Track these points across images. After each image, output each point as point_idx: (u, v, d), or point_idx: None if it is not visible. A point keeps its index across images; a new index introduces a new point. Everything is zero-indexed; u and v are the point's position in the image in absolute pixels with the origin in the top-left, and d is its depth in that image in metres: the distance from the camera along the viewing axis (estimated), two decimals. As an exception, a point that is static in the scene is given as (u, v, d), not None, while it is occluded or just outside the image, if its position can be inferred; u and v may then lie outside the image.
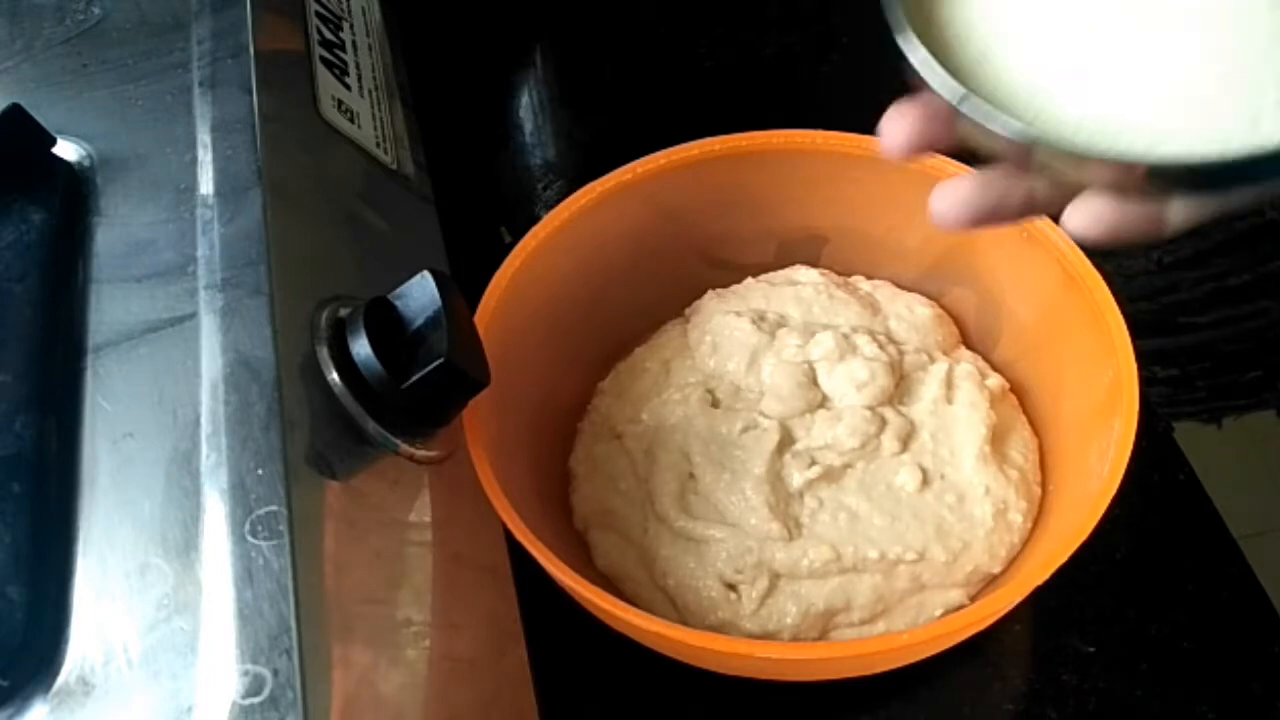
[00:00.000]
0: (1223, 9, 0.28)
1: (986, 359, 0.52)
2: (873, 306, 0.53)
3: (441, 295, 0.39)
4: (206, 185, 0.42)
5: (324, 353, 0.39)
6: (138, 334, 0.38)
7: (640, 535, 0.47)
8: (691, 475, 0.47)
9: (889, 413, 0.47)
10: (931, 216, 0.32)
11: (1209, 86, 0.27)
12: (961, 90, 0.28)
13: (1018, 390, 0.51)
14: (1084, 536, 0.38)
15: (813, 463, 0.46)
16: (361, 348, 0.38)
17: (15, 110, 0.43)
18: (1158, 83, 0.28)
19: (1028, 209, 0.31)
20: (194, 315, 0.38)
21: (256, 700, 0.30)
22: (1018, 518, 0.46)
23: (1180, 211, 0.29)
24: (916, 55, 0.28)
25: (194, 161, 0.43)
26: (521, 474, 0.45)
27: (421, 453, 0.40)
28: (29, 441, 0.36)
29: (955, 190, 0.31)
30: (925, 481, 0.46)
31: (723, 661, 0.42)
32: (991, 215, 0.31)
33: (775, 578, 0.45)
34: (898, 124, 0.30)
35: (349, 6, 0.58)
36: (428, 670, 0.37)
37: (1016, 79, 0.29)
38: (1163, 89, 0.27)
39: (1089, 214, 0.29)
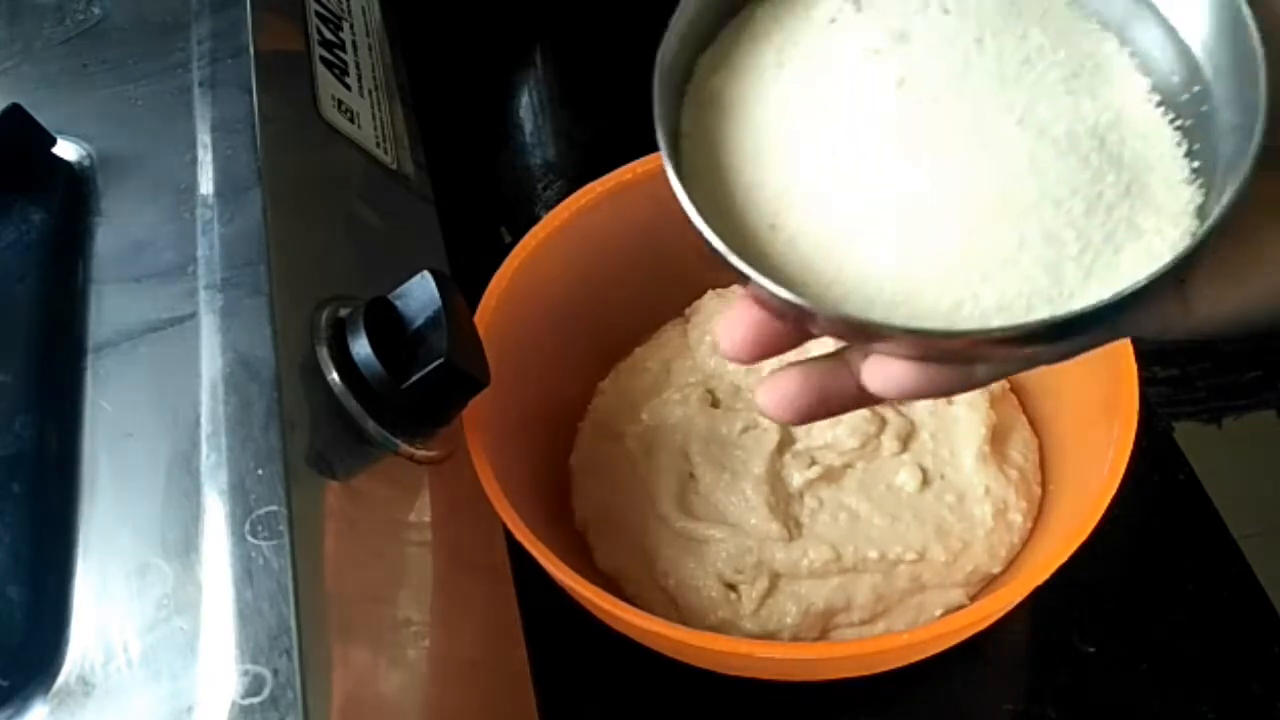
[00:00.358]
0: (1016, 163, 0.25)
1: (986, 359, 0.52)
2: (873, 306, 0.53)
3: (441, 295, 0.39)
4: (206, 185, 0.42)
5: (324, 353, 0.38)
6: (138, 334, 0.38)
7: (640, 535, 0.47)
8: (691, 475, 0.47)
9: (889, 413, 0.47)
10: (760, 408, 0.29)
11: (1005, 246, 0.24)
12: (731, 253, 0.25)
13: (1018, 390, 0.51)
14: (1084, 536, 0.38)
15: (813, 463, 0.46)
16: (361, 348, 0.38)
17: (15, 110, 0.43)
18: (953, 245, 0.25)
19: (857, 401, 0.28)
20: (194, 315, 0.38)
21: (256, 700, 0.30)
22: (1018, 518, 0.46)
23: (986, 368, 0.26)
24: (701, 227, 0.26)
25: (194, 161, 0.42)
26: (521, 474, 0.45)
27: (421, 453, 0.40)
28: (29, 441, 0.36)
29: (777, 387, 0.28)
30: (925, 481, 0.46)
31: (723, 661, 0.42)
32: (820, 407, 0.28)
33: (775, 578, 0.45)
34: (734, 325, 0.28)
35: (349, 6, 0.58)
36: (428, 670, 0.37)
37: (810, 244, 0.26)
38: (958, 251, 0.24)
39: (883, 376, 0.26)
